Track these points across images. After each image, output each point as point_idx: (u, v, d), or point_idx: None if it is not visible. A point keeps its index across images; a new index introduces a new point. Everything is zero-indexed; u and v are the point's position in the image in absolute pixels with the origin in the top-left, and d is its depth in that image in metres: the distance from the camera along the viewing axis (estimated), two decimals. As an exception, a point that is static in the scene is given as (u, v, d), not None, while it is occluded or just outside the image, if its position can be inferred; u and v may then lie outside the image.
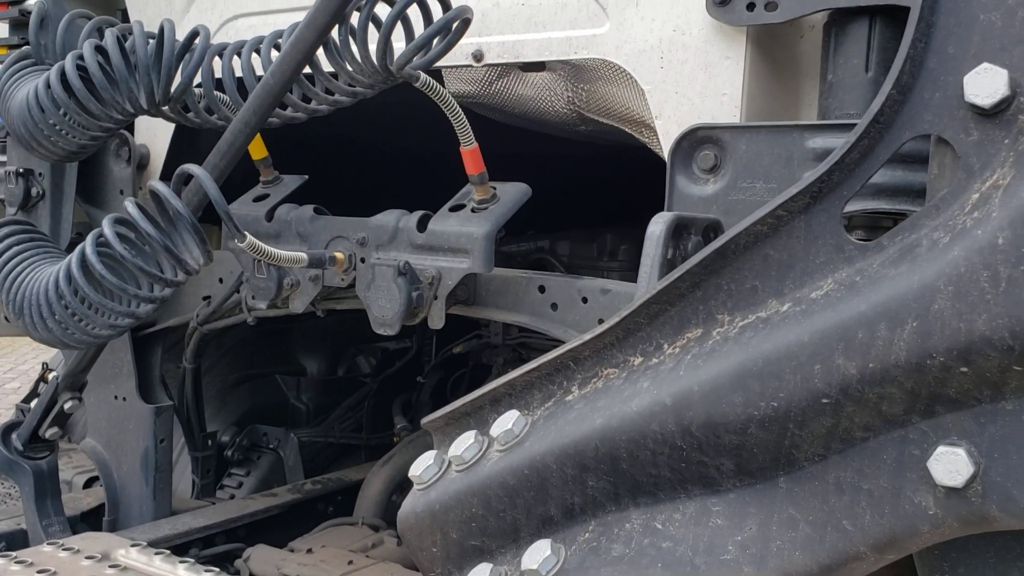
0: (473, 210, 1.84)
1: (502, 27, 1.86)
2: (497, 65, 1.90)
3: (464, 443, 1.01)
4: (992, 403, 0.77)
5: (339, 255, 1.93)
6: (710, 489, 0.88)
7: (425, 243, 1.86)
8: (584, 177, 2.97)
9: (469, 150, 1.80)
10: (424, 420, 1.11)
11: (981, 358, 0.75)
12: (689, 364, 0.89)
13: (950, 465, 0.77)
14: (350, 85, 1.82)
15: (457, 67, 1.94)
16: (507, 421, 0.99)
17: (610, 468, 0.91)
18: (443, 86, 2.02)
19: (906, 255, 0.80)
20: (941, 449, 0.78)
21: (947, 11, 0.79)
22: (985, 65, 0.77)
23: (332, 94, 1.87)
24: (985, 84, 0.76)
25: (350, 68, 1.76)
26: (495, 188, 1.86)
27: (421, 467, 1.04)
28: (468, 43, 1.87)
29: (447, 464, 1.03)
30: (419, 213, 1.89)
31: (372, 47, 1.71)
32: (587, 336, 0.96)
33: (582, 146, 2.38)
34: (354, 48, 1.73)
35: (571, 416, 0.95)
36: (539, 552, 0.93)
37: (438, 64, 1.87)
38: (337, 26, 1.71)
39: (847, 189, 0.85)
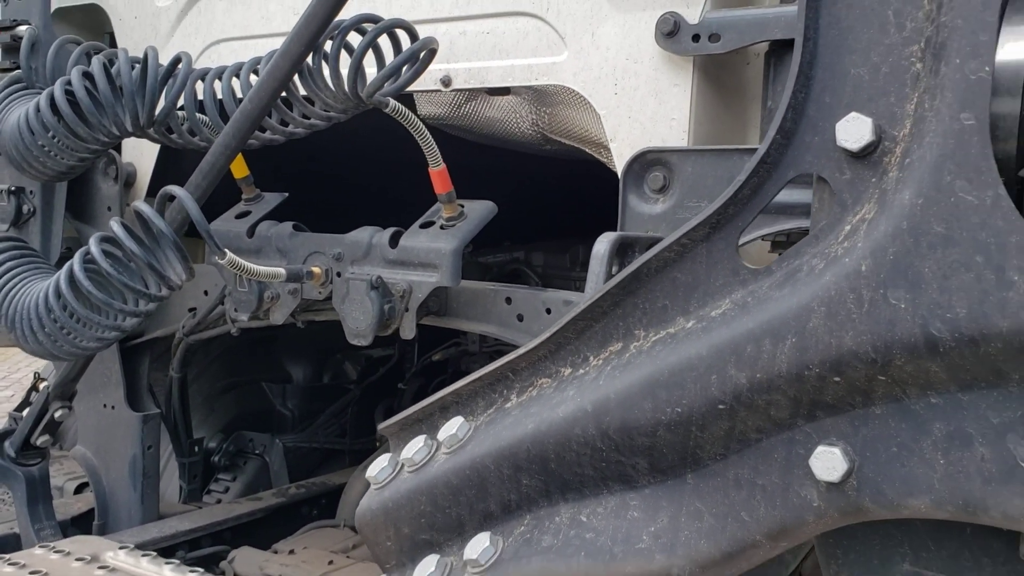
0: (442, 227, 1.95)
1: (469, 54, 1.98)
2: (464, 90, 2.02)
3: (415, 447, 1.13)
4: (864, 408, 0.88)
5: (316, 270, 2.04)
6: (628, 485, 1.00)
7: (397, 258, 1.97)
8: (557, 190, 3.08)
9: (437, 171, 1.91)
10: (381, 426, 1.23)
11: (850, 369, 0.87)
12: (608, 375, 1.00)
13: (828, 462, 0.89)
14: (324, 110, 1.93)
15: (428, 91, 2.06)
16: (453, 426, 1.10)
17: (541, 468, 1.03)
18: (415, 109, 2.14)
19: (789, 279, 0.92)
20: (820, 448, 0.89)
21: (823, 66, 0.91)
22: (854, 114, 0.88)
23: (308, 118, 1.98)
24: (853, 130, 0.88)
25: (324, 94, 1.87)
26: (463, 206, 1.98)
27: (377, 468, 1.16)
28: (437, 69, 1.99)
29: (400, 466, 1.14)
30: (391, 230, 2.00)
31: (345, 74, 1.83)
32: (523, 349, 1.08)
33: (554, 162, 2.49)
34: (327, 75, 1.84)
35: (508, 421, 1.06)
36: (479, 544, 1.05)
37: (409, 89, 1.99)
38: (312, 54, 1.82)
39: (742, 220, 0.96)
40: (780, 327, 0.89)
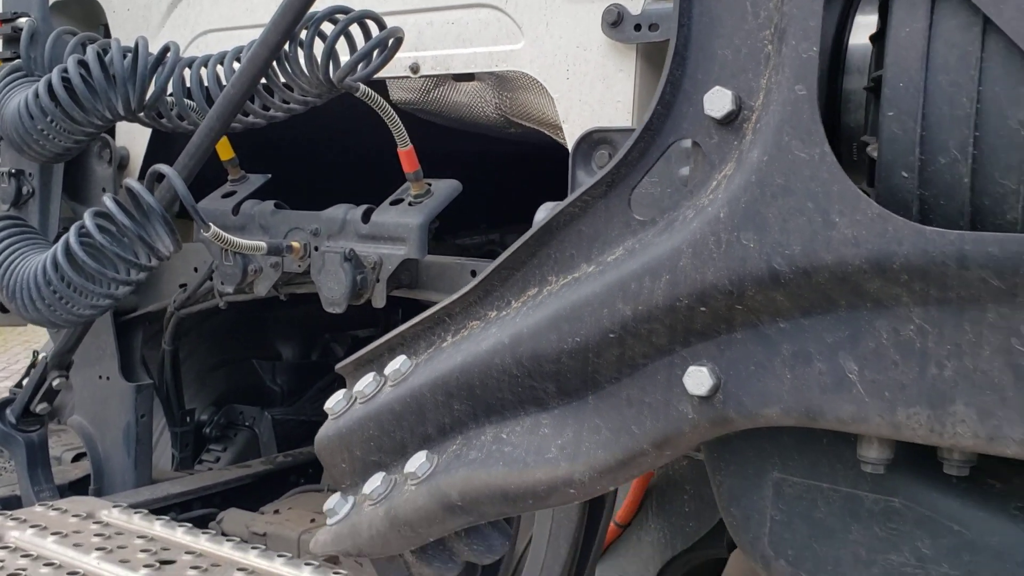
0: (410, 204, 2.15)
1: (435, 43, 2.18)
2: (432, 76, 2.22)
3: (365, 382, 1.33)
4: (727, 333, 1.07)
5: (295, 244, 2.24)
6: (541, 407, 1.20)
7: (369, 233, 2.17)
8: (533, 175, 3.28)
9: (405, 151, 2.11)
10: (338, 366, 1.43)
11: (713, 300, 1.06)
12: (524, 314, 1.20)
13: (697, 379, 1.08)
14: (301, 95, 2.13)
15: (398, 78, 2.25)
16: (397, 363, 1.30)
17: (468, 394, 1.22)
18: (388, 95, 2.34)
19: (668, 227, 1.11)
20: (692, 368, 1.09)
21: (695, 48, 1.11)
22: (717, 87, 1.07)
23: (287, 103, 2.18)
24: (717, 101, 1.07)
25: (300, 80, 2.07)
26: (430, 184, 2.18)
27: (333, 401, 1.36)
28: (406, 57, 2.19)
29: (353, 399, 1.34)
30: (364, 207, 2.20)
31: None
32: (457, 295, 1.27)
33: (529, 146, 2.68)
34: (303, 62, 2.04)
35: (442, 357, 1.26)
36: (417, 460, 1.25)
37: (382, 75, 2.19)
38: (288, 43, 2.01)
39: (632, 180, 1.16)
40: (657, 266, 1.09)
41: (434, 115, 2.39)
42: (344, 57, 2.04)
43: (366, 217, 2.18)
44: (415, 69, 2.21)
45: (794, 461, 1.16)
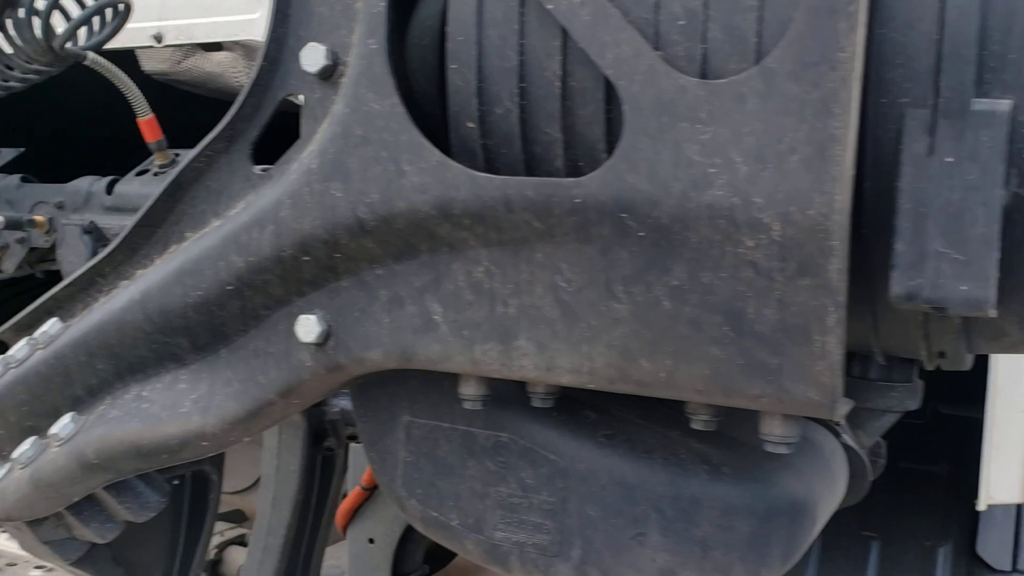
0: (155, 174, 2.13)
1: (178, 12, 2.16)
2: (177, 46, 2.19)
3: (18, 347, 1.32)
4: (335, 282, 1.12)
5: (39, 218, 2.19)
6: (179, 363, 1.22)
7: (113, 205, 2.14)
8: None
9: (145, 120, 2.08)
10: (-1, 331, 1.41)
11: (313, 249, 1.10)
12: (156, 269, 1.21)
13: (307, 327, 1.12)
14: (35, 65, 2.06)
15: (144, 48, 2.22)
16: (47, 326, 1.30)
17: (108, 352, 1.24)
18: (139, 66, 2.29)
19: (279, 179, 1.15)
20: (302, 316, 1.13)
21: (296, 5, 1.15)
22: (311, 43, 1.11)
23: (24, 73, 2.11)
24: (311, 57, 1.11)
25: (25, 48, 2.01)
26: (177, 154, 2.15)
27: (-11, 370, 1.35)
28: (150, 26, 2.15)
29: (7, 364, 1.33)
30: (109, 178, 2.16)
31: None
32: (103, 254, 1.28)
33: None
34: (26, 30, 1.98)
35: (89, 317, 1.26)
36: (62, 422, 1.26)
37: (128, 45, 2.15)
38: (9, 9, 1.95)
39: (249, 135, 1.19)
40: (263, 218, 1.12)
41: (190, 85, 2.36)
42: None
43: (110, 189, 2.14)
44: (159, 38, 2.19)
45: (420, 404, 1.22)
